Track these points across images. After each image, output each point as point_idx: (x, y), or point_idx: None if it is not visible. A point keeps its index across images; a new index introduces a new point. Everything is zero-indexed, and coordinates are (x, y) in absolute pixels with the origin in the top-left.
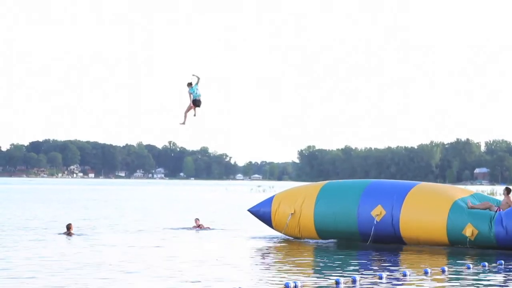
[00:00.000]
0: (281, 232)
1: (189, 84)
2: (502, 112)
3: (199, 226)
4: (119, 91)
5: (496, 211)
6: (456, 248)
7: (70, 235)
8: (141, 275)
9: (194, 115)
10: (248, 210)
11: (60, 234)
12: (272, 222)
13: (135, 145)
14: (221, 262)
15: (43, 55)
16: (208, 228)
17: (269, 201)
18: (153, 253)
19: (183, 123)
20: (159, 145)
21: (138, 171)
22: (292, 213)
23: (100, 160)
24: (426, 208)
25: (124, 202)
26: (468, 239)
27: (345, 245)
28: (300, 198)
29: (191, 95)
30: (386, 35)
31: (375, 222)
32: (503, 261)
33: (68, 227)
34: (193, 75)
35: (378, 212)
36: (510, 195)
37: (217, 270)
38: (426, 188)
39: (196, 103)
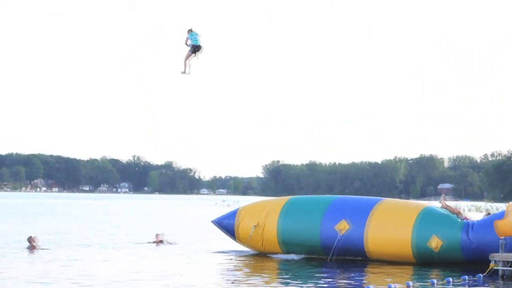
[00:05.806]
0: (244, 245)
1: (189, 30)
2: (466, 128)
3: (160, 241)
4: (82, 104)
5: (464, 219)
6: (421, 265)
7: (33, 249)
8: None
9: (197, 58)
10: (212, 222)
11: (24, 248)
12: (235, 234)
13: (99, 159)
14: (185, 278)
15: (5, 69)
16: (170, 243)
17: (233, 213)
18: (115, 268)
19: (184, 71)
20: (124, 159)
21: (102, 185)
22: (255, 225)
23: (64, 174)
24: (391, 223)
25: (88, 216)
26: (434, 252)
27: (309, 261)
28: (264, 211)
29: (188, 40)
30: (349, 54)
31: (338, 236)
32: (466, 277)
33: (29, 240)
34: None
35: (342, 227)
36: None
37: (181, 286)
38: (391, 203)
39: (195, 48)
